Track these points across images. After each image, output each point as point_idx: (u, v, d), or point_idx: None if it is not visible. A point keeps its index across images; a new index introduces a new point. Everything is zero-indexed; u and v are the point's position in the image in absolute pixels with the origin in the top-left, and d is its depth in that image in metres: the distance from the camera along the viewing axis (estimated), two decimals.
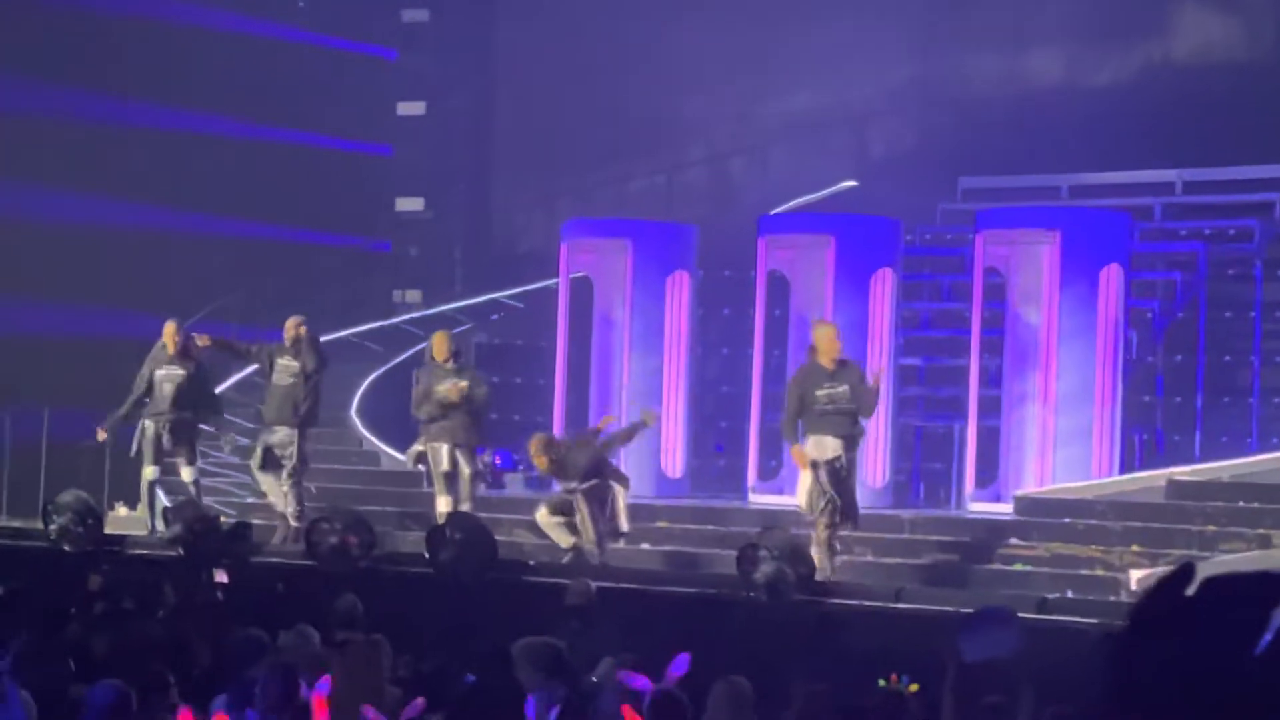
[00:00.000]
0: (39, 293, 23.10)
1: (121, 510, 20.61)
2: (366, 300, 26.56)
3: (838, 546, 15.97)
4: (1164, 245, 22.68)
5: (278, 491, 18.24)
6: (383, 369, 23.42)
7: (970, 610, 12.13)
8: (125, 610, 12.80)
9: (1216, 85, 23.72)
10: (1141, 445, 20.41)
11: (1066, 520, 17.17)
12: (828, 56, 25.56)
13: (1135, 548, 16.48)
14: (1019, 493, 18.10)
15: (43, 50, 24.08)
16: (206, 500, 19.01)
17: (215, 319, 21.84)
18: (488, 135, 27.87)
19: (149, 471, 18.53)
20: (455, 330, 20.74)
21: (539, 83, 26.74)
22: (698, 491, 20.77)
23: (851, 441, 16.10)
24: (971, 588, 16.03)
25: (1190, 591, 2.05)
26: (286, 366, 18.20)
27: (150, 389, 18.39)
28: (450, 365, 18.03)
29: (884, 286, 19.78)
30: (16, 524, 20.18)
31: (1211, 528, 16.56)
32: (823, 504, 15.81)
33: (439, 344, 18.24)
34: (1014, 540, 17.15)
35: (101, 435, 18.84)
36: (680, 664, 10.75)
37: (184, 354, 18.44)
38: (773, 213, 23.09)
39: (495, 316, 25.33)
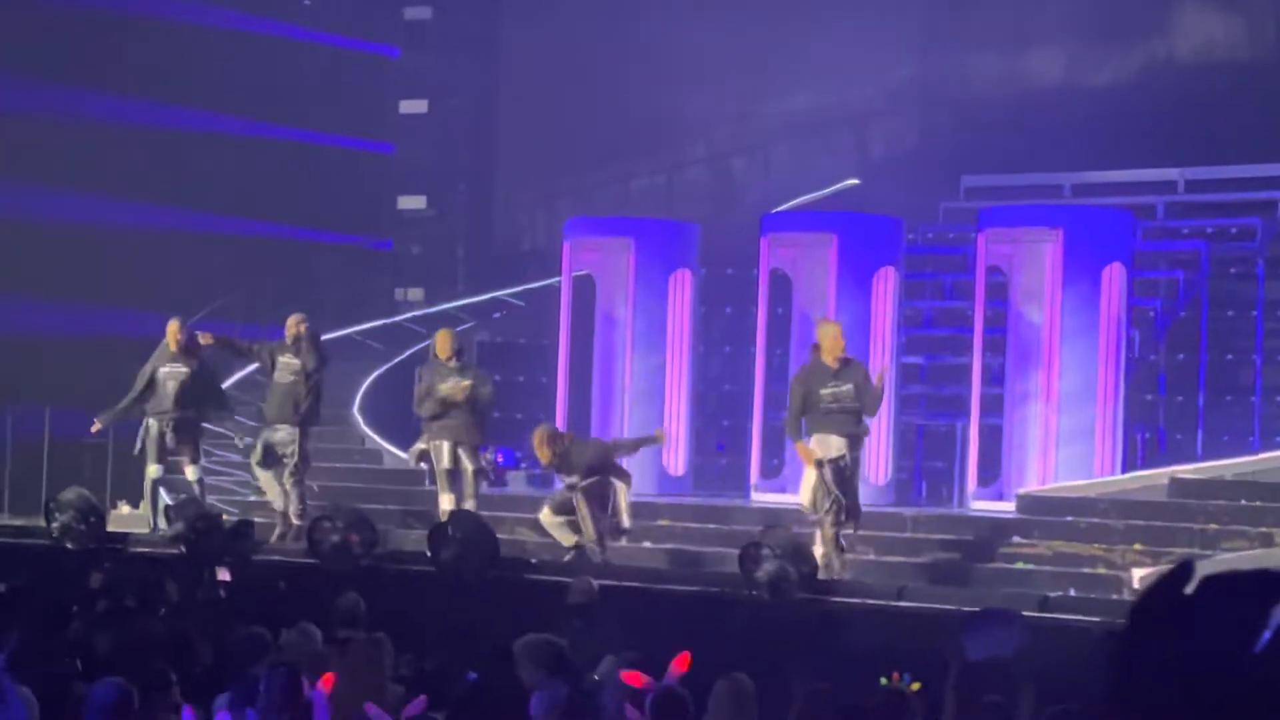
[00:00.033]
0: (40, 292, 23.11)
1: (124, 508, 20.62)
2: (368, 298, 26.57)
3: (845, 544, 15.97)
4: (1166, 244, 22.68)
5: (276, 488, 18.25)
6: (385, 367, 23.43)
7: (972, 609, 12.15)
8: (127, 608, 12.80)
9: (1218, 83, 23.72)
10: (1144, 444, 20.41)
11: (1069, 519, 17.17)
12: (829, 55, 25.57)
13: (1137, 546, 16.48)
14: (1021, 491, 18.10)
15: (43, 49, 24.08)
16: (209, 499, 19.01)
17: (217, 318, 21.85)
18: (490, 134, 27.87)
19: (152, 470, 18.54)
20: (458, 329, 20.73)
21: (541, 81, 26.75)
22: (700, 490, 20.76)
23: (856, 440, 16.10)
24: (973, 586, 16.03)
25: (1189, 590, 2.05)
26: (288, 364, 18.20)
27: (152, 387, 18.39)
28: (453, 363, 18.03)
29: (886, 285, 19.78)
30: (19, 522, 20.20)
31: (1214, 526, 16.56)
32: (828, 504, 15.81)
33: (442, 342, 18.24)
34: (1016, 539, 17.15)
35: (96, 427, 18.82)
36: (679, 664, 10.75)
37: (187, 351, 18.43)
38: (775, 211, 23.09)
39: (497, 315, 25.34)
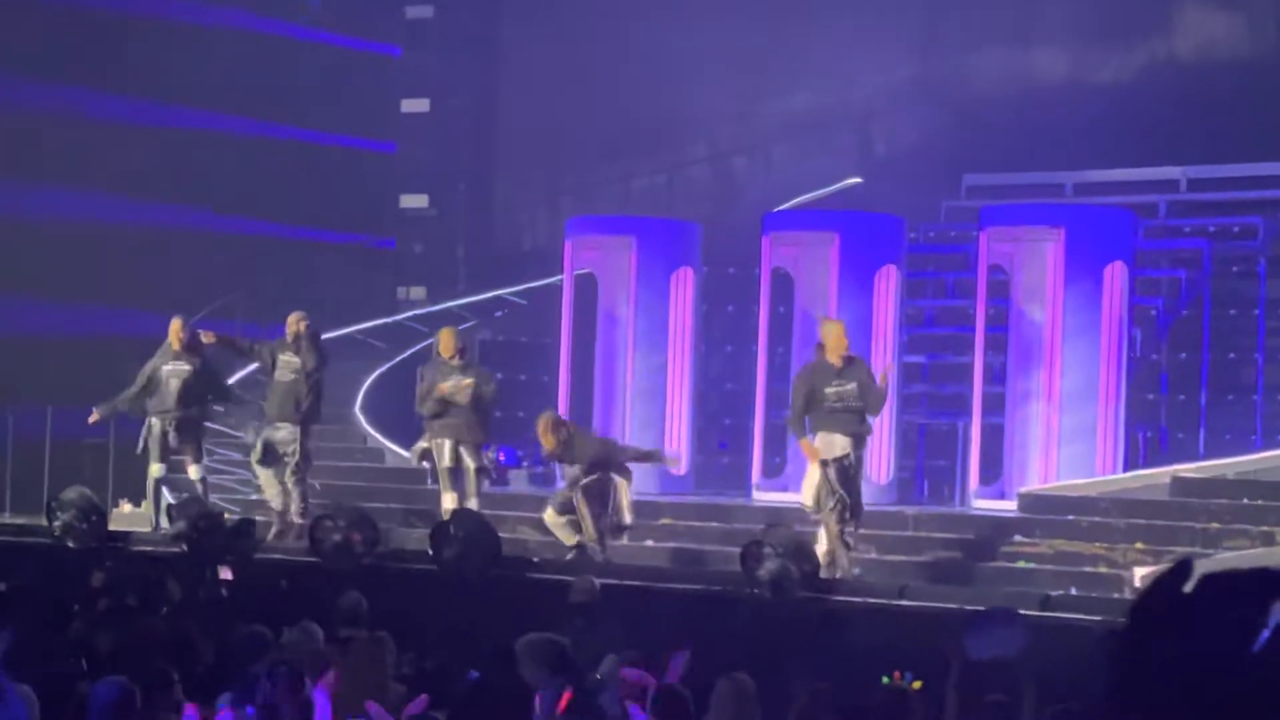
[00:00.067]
0: (42, 291, 23.12)
1: (125, 507, 20.63)
2: (370, 297, 26.58)
3: (851, 543, 15.96)
4: (1168, 242, 22.68)
5: (275, 487, 18.24)
6: (387, 366, 23.44)
7: (974, 608, 12.15)
8: (129, 607, 12.80)
9: (1220, 82, 23.72)
10: (1145, 442, 20.41)
11: (1070, 517, 17.17)
12: (831, 54, 25.57)
13: (1139, 545, 16.47)
14: (1023, 490, 18.10)
15: (44, 48, 24.09)
16: (212, 498, 19.02)
17: (218, 317, 21.85)
18: (492, 132, 27.88)
19: (155, 469, 18.54)
20: (460, 327, 20.74)
21: (543, 80, 26.76)
22: (702, 488, 20.76)
23: (859, 439, 16.10)
24: (975, 585, 16.03)
25: (1188, 588, 2.05)
26: (288, 363, 18.20)
27: (155, 386, 18.38)
28: (456, 362, 18.03)
29: (888, 284, 19.78)
30: (20, 521, 20.21)
31: (1215, 525, 16.55)
32: (832, 503, 15.80)
33: (446, 340, 18.24)
34: (1018, 537, 17.14)
35: (93, 418, 18.80)
36: (679, 661, 10.75)
37: (190, 350, 18.43)
38: (777, 210, 23.10)
39: (499, 313, 25.35)
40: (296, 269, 25.43)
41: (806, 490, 16.09)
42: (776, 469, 19.74)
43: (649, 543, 17.88)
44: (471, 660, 10.62)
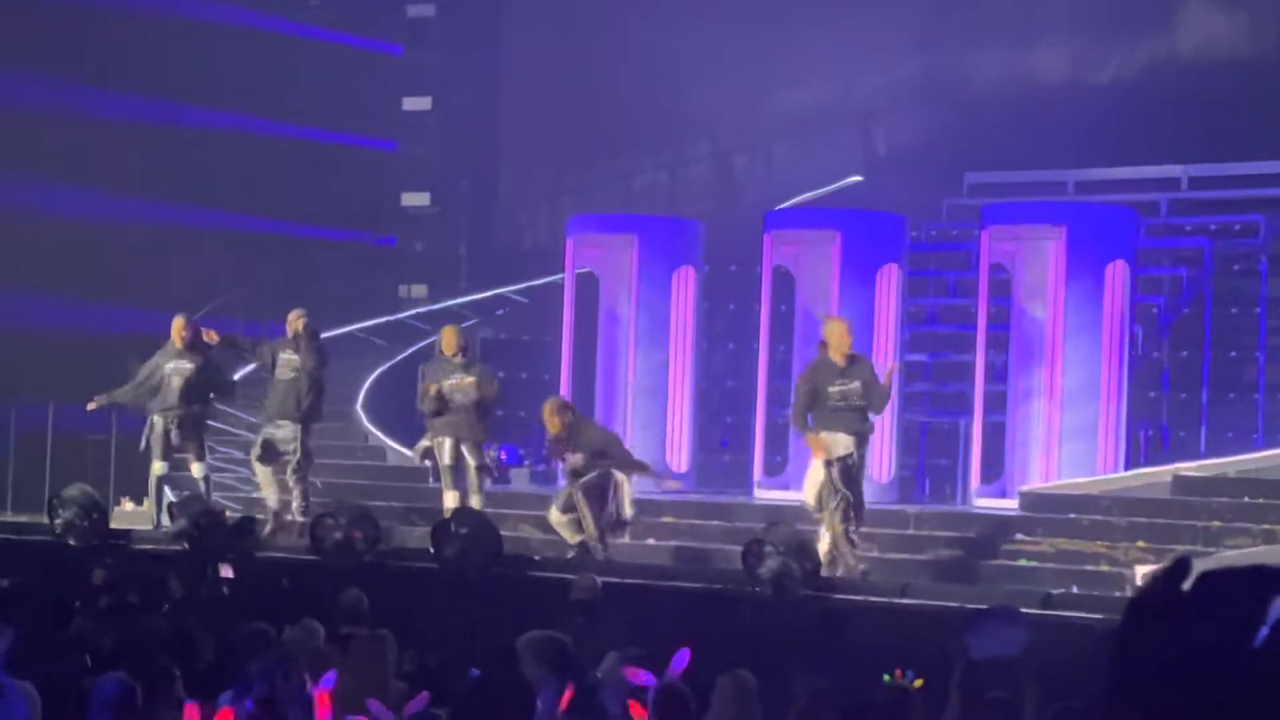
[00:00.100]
0: (43, 288, 23.12)
1: (127, 505, 20.63)
2: (372, 295, 26.59)
3: (856, 541, 15.97)
4: (1169, 241, 22.67)
5: (273, 485, 18.24)
6: (388, 364, 23.45)
7: (976, 606, 12.14)
8: (130, 604, 12.82)
9: (1222, 81, 23.71)
10: (1147, 441, 20.40)
11: (1071, 516, 17.16)
12: (832, 52, 25.56)
13: (1140, 543, 16.47)
14: (1024, 488, 18.10)
15: (45, 45, 24.10)
16: (215, 496, 19.02)
17: (220, 314, 21.85)
18: (493, 131, 27.88)
19: (157, 467, 18.54)
20: (462, 326, 20.74)
21: (544, 78, 26.75)
22: (703, 486, 20.76)
23: (862, 438, 16.10)
24: (977, 583, 16.03)
25: (1186, 586, 2.05)
26: (289, 361, 18.20)
27: (158, 384, 18.36)
28: (458, 360, 18.04)
29: (890, 282, 19.77)
30: (22, 518, 20.21)
31: (1217, 523, 16.55)
32: (835, 502, 15.80)
33: (448, 338, 18.24)
34: (1019, 536, 17.14)
35: (92, 405, 18.78)
36: (680, 659, 10.75)
37: (192, 348, 18.43)
38: (778, 208, 23.09)
39: (501, 311, 25.36)
40: (298, 267, 25.44)
41: (808, 489, 16.09)
42: (778, 467, 19.74)
43: (651, 541, 17.88)
44: (473, 658, 10.63)
